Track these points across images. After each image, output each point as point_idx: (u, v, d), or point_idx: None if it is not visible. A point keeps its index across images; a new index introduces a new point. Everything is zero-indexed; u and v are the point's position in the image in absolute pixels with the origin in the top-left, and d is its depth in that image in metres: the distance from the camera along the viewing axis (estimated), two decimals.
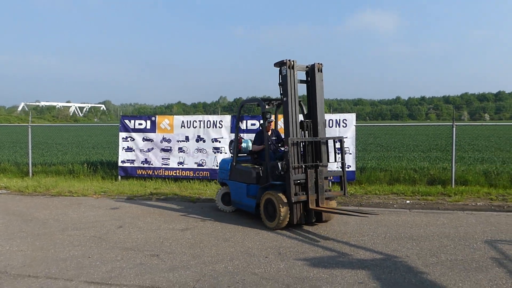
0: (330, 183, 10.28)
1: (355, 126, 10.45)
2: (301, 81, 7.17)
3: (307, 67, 7.13)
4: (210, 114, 49.98)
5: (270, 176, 6.91)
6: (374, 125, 26.07)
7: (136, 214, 7.93)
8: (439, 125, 20.59)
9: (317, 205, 6.78)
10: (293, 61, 6.83)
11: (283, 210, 6.57)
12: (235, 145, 7.94)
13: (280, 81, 6.90)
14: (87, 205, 8.80)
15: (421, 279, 4.59)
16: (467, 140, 22.92)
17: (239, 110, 8.29)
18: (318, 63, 7.07)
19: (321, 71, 7.11)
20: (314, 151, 7.02)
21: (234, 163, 7.87)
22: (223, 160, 8.52)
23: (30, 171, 12.62)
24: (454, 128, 10.14)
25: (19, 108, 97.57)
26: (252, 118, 11.09)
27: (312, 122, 7.09)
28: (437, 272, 4.79)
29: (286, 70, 6.76)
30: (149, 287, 4.40)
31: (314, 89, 7.04)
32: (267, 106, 7.71)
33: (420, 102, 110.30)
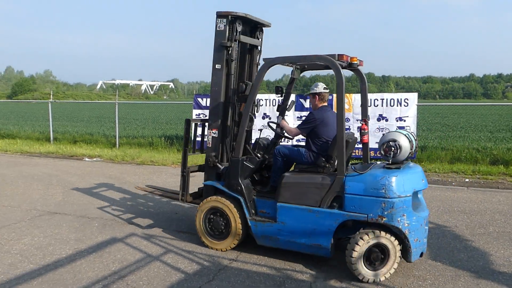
0: None
1: (417, 105, 10.61)
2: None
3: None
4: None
5: None
6: (436, 105, 25.65)
7: None
8: (506, 105, 19.66)
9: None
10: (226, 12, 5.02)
11: None
12: None
13: None
14: (167, 173, 10.02)
15: (465, 245, 5.11)
16: None
17: None
18: None
19: None
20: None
21: None
22: None
23: (117, 142, 14.24)
24: None
25: (98, 86, 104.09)
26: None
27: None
28: (482, 241, 5.26)
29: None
30: None
31: None
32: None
33: (497, 80, 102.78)
